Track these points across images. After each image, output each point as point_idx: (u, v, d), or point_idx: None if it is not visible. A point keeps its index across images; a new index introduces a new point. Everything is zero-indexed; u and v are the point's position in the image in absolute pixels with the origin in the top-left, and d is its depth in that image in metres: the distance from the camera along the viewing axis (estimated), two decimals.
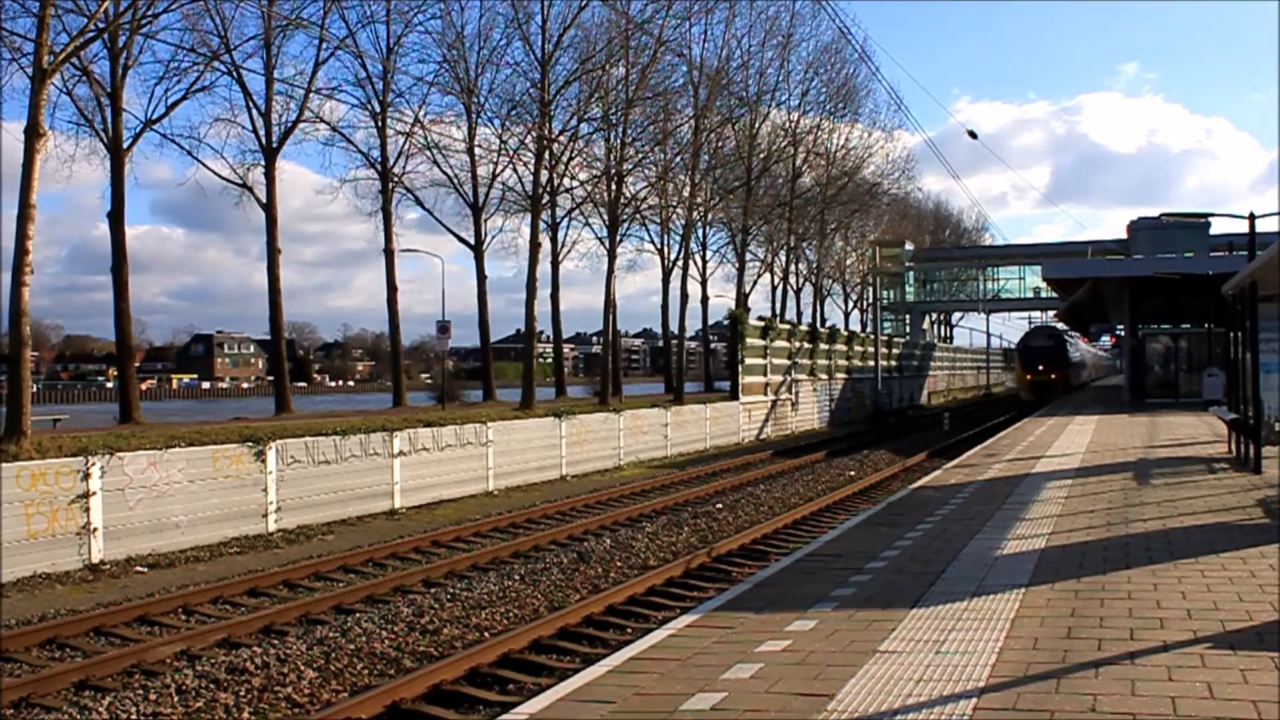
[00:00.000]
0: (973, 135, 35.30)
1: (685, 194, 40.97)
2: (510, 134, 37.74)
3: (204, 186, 51.12)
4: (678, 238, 45.09)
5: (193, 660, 9.30)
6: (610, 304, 37.28)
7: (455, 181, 38.49)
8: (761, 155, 47.28)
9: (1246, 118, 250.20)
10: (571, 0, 36.08)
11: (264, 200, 32.79)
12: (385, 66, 35.84)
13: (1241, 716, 4.74)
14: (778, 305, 52.91)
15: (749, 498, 19.45)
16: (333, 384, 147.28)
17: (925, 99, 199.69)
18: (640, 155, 38.04)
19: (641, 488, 21.76)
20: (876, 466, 25.66)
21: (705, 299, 48.84)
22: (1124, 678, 5.34)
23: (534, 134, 35.13)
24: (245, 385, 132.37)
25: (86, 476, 13.75)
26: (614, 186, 36.15)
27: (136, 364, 38.72)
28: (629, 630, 10.05)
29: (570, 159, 36.71)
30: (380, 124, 36.37)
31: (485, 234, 38.92)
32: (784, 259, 52.91)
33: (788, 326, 40.08)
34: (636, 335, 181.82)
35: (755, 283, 51.58)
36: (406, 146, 37.13)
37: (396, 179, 37.14)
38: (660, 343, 76.97)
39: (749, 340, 35.36)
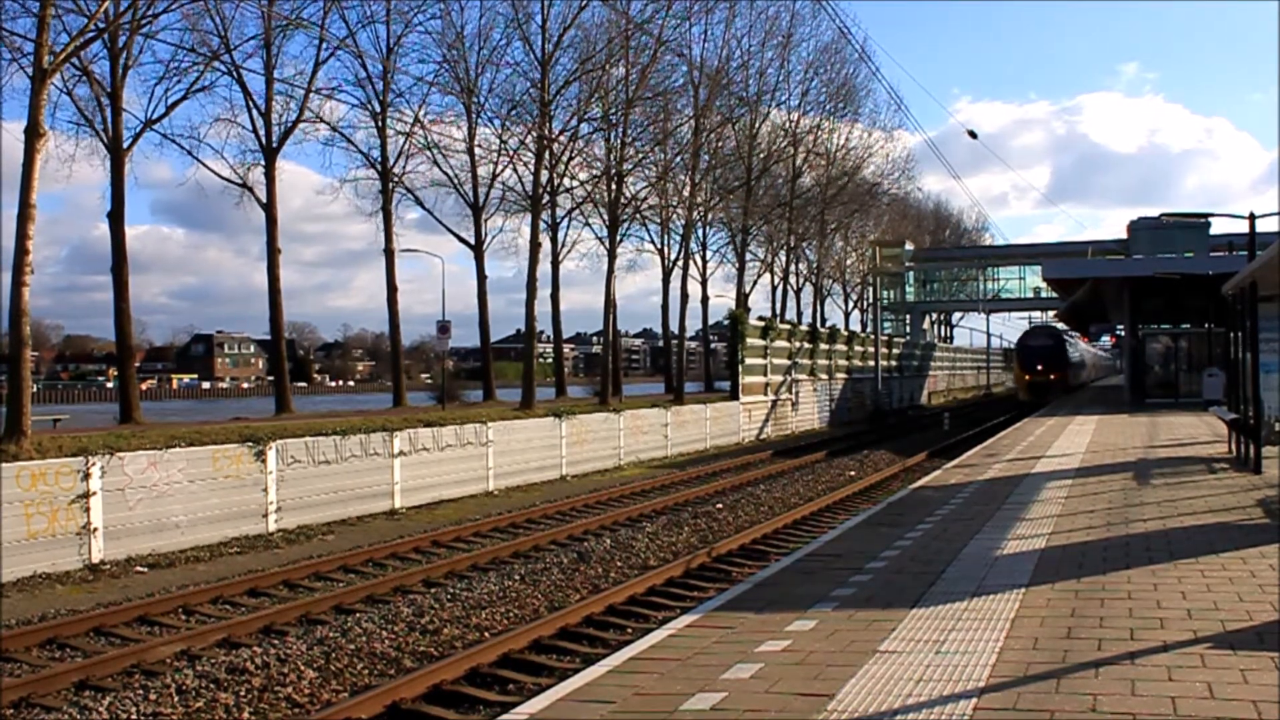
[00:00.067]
0: (973, 135, 35.35)
1: (685, 194, 40.98)
2: (510, 134, 37.79)
3: (204, 186, 51.15)
4: (678, 238, 45.13)
5: (193, 660, 9.30)
6: (610, 304, 37.28)
7: (455, 181, 38.54)
8: (761, 155, 47.28)
9: (1247, 118, 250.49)
10: (571, 0, 36.14)
11: (264, 200, 32.79)
12: (385, 66, 35.88)
13: (1241, 716, 4.74)
14: (778, 305, 52.97)
15: (749, 498, 19.45)
16: (333, 384, 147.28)
17: (925, 99, 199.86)
18: (640, 155, 38.05)
19: (641, 488, 21.76)
20: (876, 466, 25.66)
21: (705, 299, 48.93)
22: (1124, 678, 5.34)
23: (534, 134, 35.13)
24: (245, 385, 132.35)
25: (86, 476, 13.75)
26: (614, 186, 36.15)
27: (136, 364, 38.71)
28: (629, 630, 10.05)
29: (570, 159, 36.72)
30: (380, 124, 36.40)
31: (485, 234, 38.96)
32: (784, 259, 52.94)
33: (788, 326, 40.08)
34: (636, 335, 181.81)
35: (755, 283, 51.67)
36: (406, 146, 37.19)
37: (396, 179, 37.15)
38: (660, 343, 76.99)
39: (749, 340, 35.37)
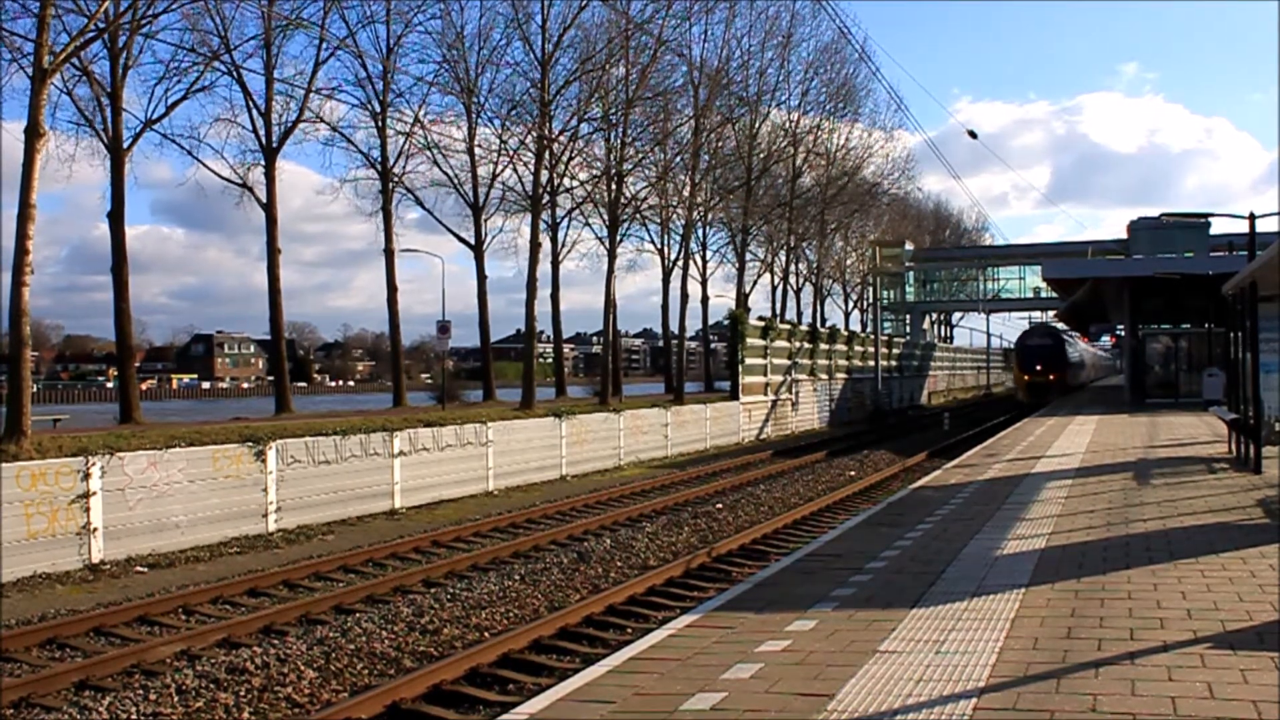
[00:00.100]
0: (973, 135, 35.36)
1: (685, 194, 40.98)
2: (510, 134, 37.79)
3: (204, 186, 51.04)
4: (678, 238, 45.13)
5: (193, 660, 9.30)
6: (610, 304, 37.28)
7: (455, 181, 38.54)
8: (761, 155, 47.28)
9: (1247, 118, 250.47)
10: (571, 0, 36.14)
11: (264, 200, 32.79)
12: (385, 66, 35.88)
13: (1241, 716, 4.74)
14: (778, 305, 52.97)
15: (749, 498, 19.45)
16: (333, 384, 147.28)
17: (925, 99, 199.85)
18: (640, 155, 38.05)
19: (641, 488, 21.76)
20: (876, 466, 25.66)
21: (705, 299, 48.92)
22: (1124, 678, 5.34)
23: (534, 134, 35.13)
24: (245, 385, 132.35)
25: (86, 476, 13.75)
26: (614, 186, 36.15)
27: (136, 364, 38.71)
28: (629, 630, 10.05)
29: (570, 159, 36.72)
30: (380, 124, 36.40)
31: (485, 234, 38.96)
32: (784, 259, 52.94)
33: (788, 326, 40.08)
34: (636, 335, 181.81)
35: (755, 283, 51.67)
36: (406, 146, 37.20)
37: (396, 179, 37.16)
38: (660, 343, 76.99)
39: (749, 340, 35.37)
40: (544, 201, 35.83)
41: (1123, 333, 45.35)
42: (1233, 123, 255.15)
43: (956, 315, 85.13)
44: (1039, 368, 50.24)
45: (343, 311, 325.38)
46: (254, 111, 32.72)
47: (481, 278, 40.06)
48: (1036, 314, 73.52)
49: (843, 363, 45.45)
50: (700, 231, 47.04)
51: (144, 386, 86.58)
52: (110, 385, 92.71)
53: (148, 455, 14.77)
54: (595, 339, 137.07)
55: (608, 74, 36.13)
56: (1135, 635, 6.18)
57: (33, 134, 17.56)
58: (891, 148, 58.79)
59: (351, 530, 16.94)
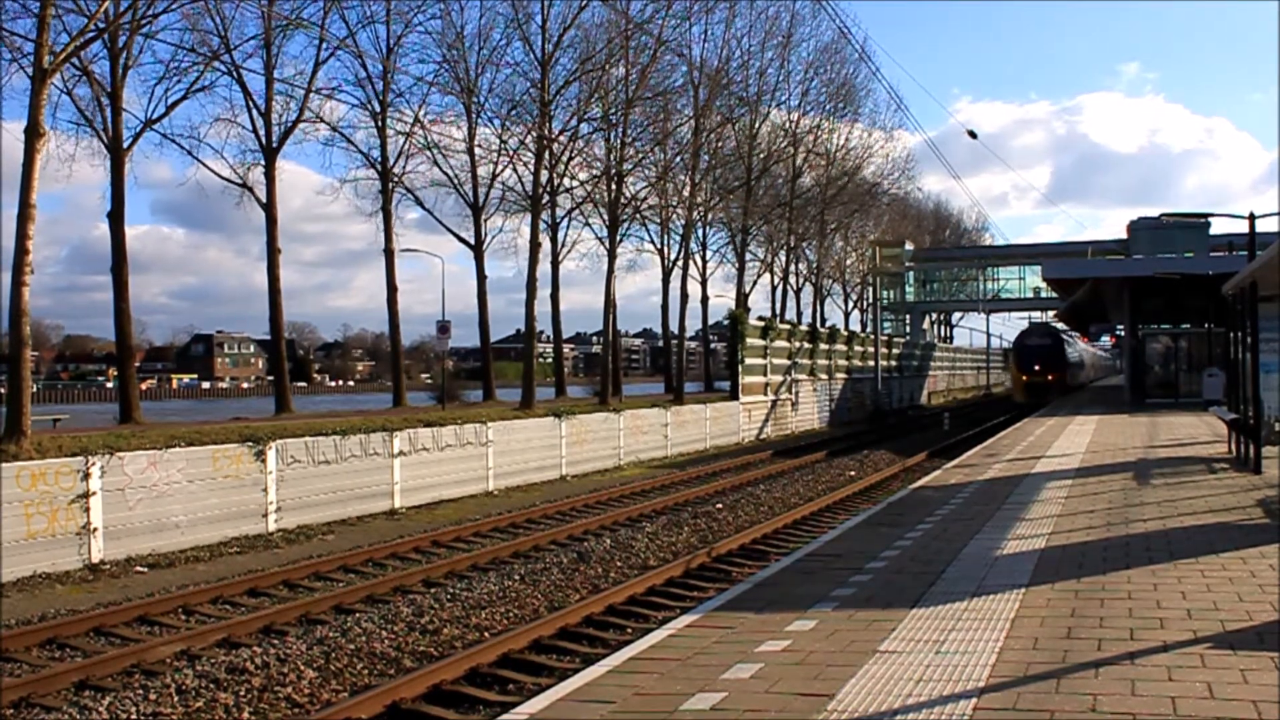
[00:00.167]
0: (973, 135, 35.36)
1: (685, 194, 40.98)
2: (510, 134, 37.79)
3: (204, 186, 51.14)
4: (678, 238, 45.14)
5: (193, 660, 9.30)
6: (610, 304, 37.28)
7: (455, 181, 38.54)
8: (761, 155, 47.28)
9: (1247, 118, 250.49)
10: (571, 0, 36.15)
11: (264, 200, 32.79)
12: (385, 66, 35.88)
13: (1241, 716, 4.74)
14: (778, 305, 52.97)
15: (749, 498, 19.45)
16: (333, 384, 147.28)
17: (925, 99, 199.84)
18: (640, 155, 38.05)
19: (641, 488, 21.76)
20: (876, 466, 25.67)
21: (705, 299, 48.91)
22: (1124, 678, 5.34)
23: (534, 134, 35.13)
24: (245, 385, 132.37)
25: (86, 476, 13.75)
26: (614, 186, 36.15)
27: (136, 364, 38.72)
28: (629, 630, 10.05)
29: (570, 159, 36.72)
30: (380, 124, 36.40)
31: (485, 234, 38.96)
32: (784, 259, 52.94)
33: (788, 326, 40.08)
34: (636, 335, 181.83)
35: (755, 283, 51.67)
36: (406, 146, 37.19)
37: (396, 179, 37.15)
38: (660, 343, 76.99)
39: (749, 340, 35.37)
40: (544, 201, 35.83)
41: (1123, 333, 45.32)
42: (1233, 123, 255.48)
43: (956, 315, 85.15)
44: (1037, 368, 49.78)
45: (343, 311, 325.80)
46: (254, 111, 32.76)
47: (481, 278, 40.11)
48: (1036, 314, 73.51)
49: (842, 363, 45.45)
50: (700, 231, 47.12)
51: (144, 386, 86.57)
52: (110, 385, 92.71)
53: (148, 455, 14.77)
54: (595, 339, 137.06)
55: (608, 74, 36.15)
56: (1135, 635, 6.18)
57: (33, 134, 17.56)
58: (891, 148, 58.89)
59: (351, 530, 16.94)
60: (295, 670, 8.68)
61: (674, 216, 44.17)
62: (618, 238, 37.89)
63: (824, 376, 42.85)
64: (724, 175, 45.15)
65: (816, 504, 18.23)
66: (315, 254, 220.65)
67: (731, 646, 6.26)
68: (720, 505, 18.28)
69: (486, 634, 10.03)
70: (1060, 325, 62.01)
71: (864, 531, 10.61)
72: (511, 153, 37.66)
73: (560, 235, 41.88)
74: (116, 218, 28.02)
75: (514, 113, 38.04)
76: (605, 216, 37.78)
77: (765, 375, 36.64)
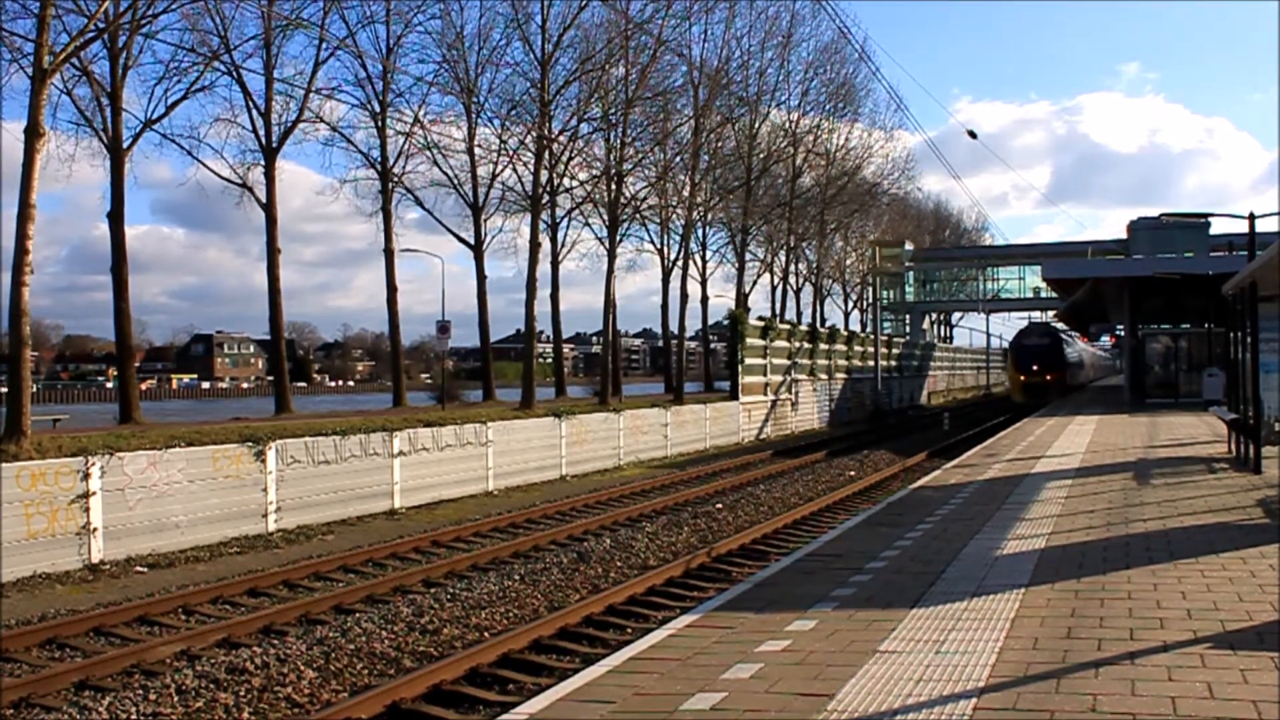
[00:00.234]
0: (973, 135, 35.37)
1: (685, 194, 41.00)
2: (510, 134, 37.80)
3: (204, 186, 51.09)
4: (678, 238, 45.15)
5: (193, 660, 9.30)
6: (610, 304, 37.28)
7: (455, 181, 38.54)
8: (761, 155, 47.28)
9: (1247, 118, 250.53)
10: (571, 0, 36.15)
11: (264, 200, 32.79)
12: (385, 66, 35.87)
13: (1241, 716, 4.74)
14: (778, 305, 52.97)
15: (749, 498, 19.45)
16: (333, 384, 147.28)
17: (925, 99, 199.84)
18: (640, 155, 38.07)
19: (641, 488, 21.76)
20: (876, 466, 25.67)
21: (705, 299, 48.90)
22: (1124, 678, 5.34)
23: (534, 134, 35.14)
24: (245, 385, 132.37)
25: (86, 476, 13.75)
26: (614, 186, 36.15)
27: (136, 364, 38.71)
28: (629, 630, 10.05)
29: (570, 159, 36.73)
30: (380, 124, 36.40)
31: (485, 234, 38.97)
32: (784, 259, 52.94)
33: (788, 326, 40.08)
34: (636, 335, 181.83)
35: (755, 283, 51.66)
36: (406, 146, 37.20)
37: (396, 179, 37.16)
38: (660, 343, 76.96)
39: (749, 340, 35.37)
40: (544, 201, 35.84)
41: (1122, 333, 45.29)
42: (1233, 123, 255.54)
43: (956, 315, 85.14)
44: (1036, 368, 49.18)
45: (343, 311, 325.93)
46: (254, 111, 32.76)
47: (481, 278, 40.11)
48: (1036, 314, 73.47)
49: (842, 363, 45.44)
50: (700, 231, 47.13)
51: (144, 386, 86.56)
52: (110, 385, 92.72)
53: (147, 455, 14.77)
54: (595, 339, 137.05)
55: (607, 74, 36.16)
56: (1135, 635, 6.18)
57: (33, 134, 17.56)
58: (891, 148, 58.91)
59: (351, 530, 16.93)
60: (295, 670, 8.68)
61: (674, 216, 44.22)
62: (618, 238, 37.92)
63: (824, 376, 42.85)
64: (724, 175, 45.17)
65: (816, 504, 18.23)
66: (315, 254, 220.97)
67: (731, 646, 6.26)
68: (720, 505, 18.28)
69: (486, 634, 10.03)
70: (1060, 325, 61.85)
71: (864, 531, 10.61)
72: (511, 153, 37.71)
73: (560, 235, 41.97)
74: (116, 218, 28.02)
75: (514, 113, 38.11)
76: (605, 216, 37.79)
77: (765, 375, 36.64)
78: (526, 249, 34.17)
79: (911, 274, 74.02)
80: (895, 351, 55.71)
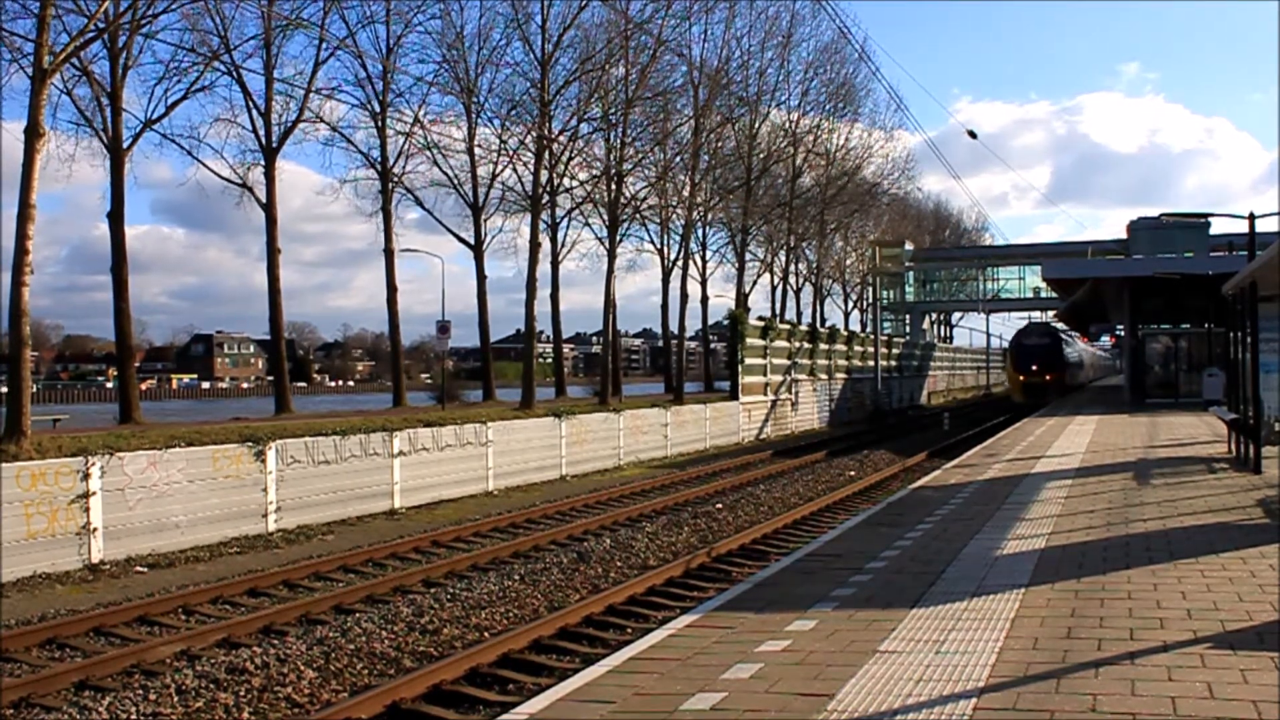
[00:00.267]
0: (973, 135, 35.36)
1: (685, 194, 41.00)
2: (510, 134, 37.80)
3: (204, 186, 51.11)
4: (678, 238, 45.15)
5: (193, 660, 9.30)
6: (610, 304, 37.28)
7: (455, 181, 38.55)
8: (761, 155, 47.28)
9: (1247, 118, 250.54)
10: (571, 0, 36.15)
11: (264, 200, 32.79)
12: (385, 66, 35.88)
13: (1241, 716, 4.74)
14: (778, 305, 52.97)
15: (749, 498, 19.45)
16: (333, 384, 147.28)
17: (925, 99, 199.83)
18: (640, 155, 38.07)
19: (641, 488, 21.76)
20: (876, 466, 25.66)
21: (705, 299, 48.90)
22: (1124, 678, 5.34)
23: (534, 134, 35.14)
24: (245, 385, 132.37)
25: (86, 476, 13.75)
26: (614, 186, 36.16)
27: (136, 364, 38.71)
28: (629, 630, 10.05)
29: (570, 159, 36.74)
30: (380, 124, 36.41)
31: (485, 234, 38.97)
32: (784, 259, 52.94)
33: (788, 326, 40.08)
34: (636, 335, 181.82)
35: (755, 283, 51.66)
36: (406, 146, 37.21)
37: (396, 179, 37.16)
38: (660, 343, 76.97)
39: (749, 340, 35.37)
40: (544, 201, 35.84)
41: (1123, 333, 45.27)
42: (1233, 123, 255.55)
43: (956, 315, 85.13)
44: (1035, 368, 48.81)
45: (343, 311, 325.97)
46: (254, 111, 32.77)
47: (481, 278, 40.12)
48: (1036, 314, 73.41)
49: (842, 363, 45.44)
50: (700, 231, 47.13)
51: (144, 386, 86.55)
52: (110, 385, 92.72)
53: (147, 455, 14.77)
54: (595, 339, 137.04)
55: (607, 74, 36.16)
56: (1135, 635, 6.18)
57: (33, 134, 17.56)
58: (891, 148, 58.90)
59: (351, 530, 16.94)
60: (295, 670, 8.68)
61: (674, 216, 44.22)
62: (618, 238, 37.92)
63: (824, 376, 42.85)
64: (724, 175, 45.17)
65: (816, 504, 18.23)
66: (315, 254, 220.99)
67: (731, 646, 6.26)
68: (720, 505, 18.28)
69: (486, 634, 10.03)
70: (1060, 325, 61.77)
71: (864, 531, 10.61)
72: (511, 153, 37.71)
73: (560, 235, 41.97)
74: (116, 218, 28.02)
75: (514, 113, 38.11)
76: (605, 216, 37.79)
77: (765, 375, 36.64)
78: (526, 249, 34.23)
79: (911, 274, 74.01)
80: (895, 351, 55.70)
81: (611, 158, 36.34)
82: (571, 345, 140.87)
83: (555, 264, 41.38)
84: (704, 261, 48.57)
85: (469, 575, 12.90)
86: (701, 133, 40.68)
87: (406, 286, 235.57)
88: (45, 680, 8.60)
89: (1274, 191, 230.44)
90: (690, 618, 7.16)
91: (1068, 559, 8.64)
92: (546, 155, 34.74)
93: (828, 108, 51.88)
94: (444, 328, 38.15)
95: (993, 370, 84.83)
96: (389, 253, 36.65)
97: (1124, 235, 53.93)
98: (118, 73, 27.68)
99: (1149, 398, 35.49)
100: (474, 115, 38.14)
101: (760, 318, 38.52)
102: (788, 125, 49.09)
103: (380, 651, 9.35)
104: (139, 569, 13.67)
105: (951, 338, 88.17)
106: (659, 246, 47.46)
